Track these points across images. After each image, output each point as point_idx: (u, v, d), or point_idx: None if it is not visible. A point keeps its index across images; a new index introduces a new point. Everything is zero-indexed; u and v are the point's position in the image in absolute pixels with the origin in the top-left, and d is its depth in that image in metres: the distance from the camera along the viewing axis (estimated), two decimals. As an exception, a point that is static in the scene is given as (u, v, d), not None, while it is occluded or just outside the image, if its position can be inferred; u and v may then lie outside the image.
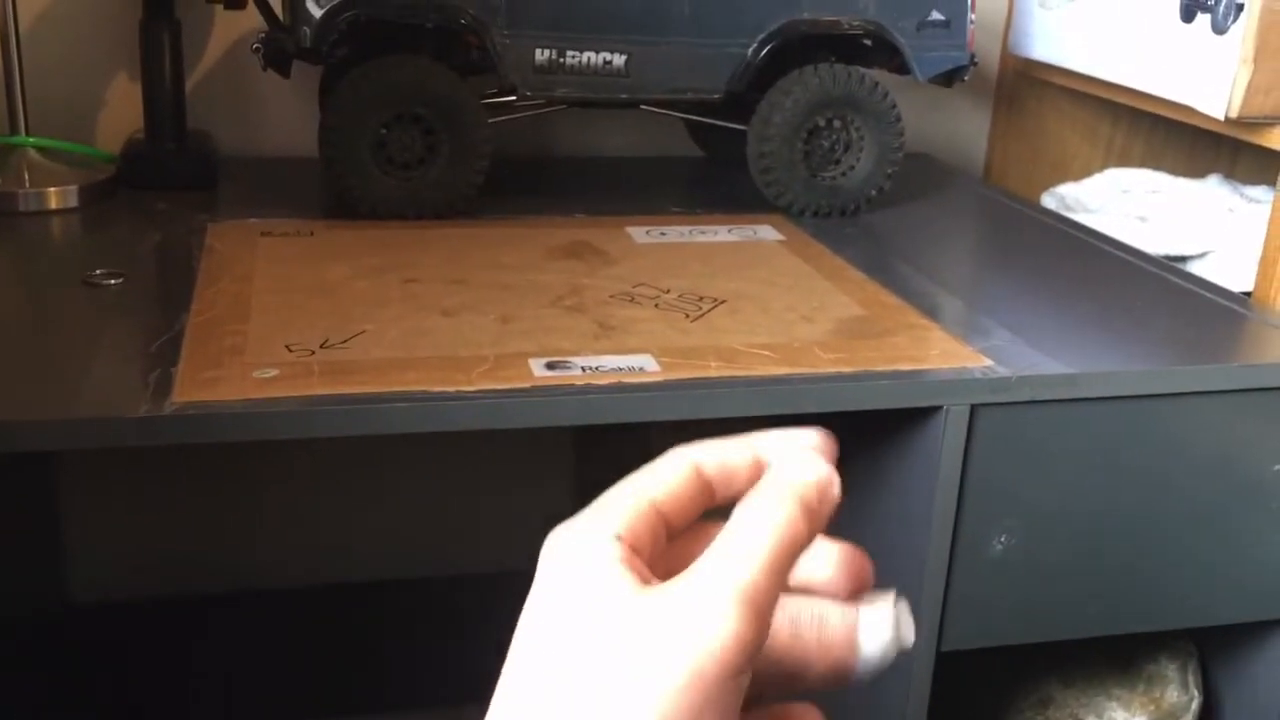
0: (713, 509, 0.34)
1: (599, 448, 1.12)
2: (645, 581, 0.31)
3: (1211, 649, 0.87)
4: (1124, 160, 1.18)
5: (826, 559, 0.35)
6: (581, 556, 0.31)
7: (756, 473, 0.33)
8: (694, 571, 0.30)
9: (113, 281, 0.73)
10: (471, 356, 0.64)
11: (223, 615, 1.12)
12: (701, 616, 0.29)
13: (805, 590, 0.35)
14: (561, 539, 0.32)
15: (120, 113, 1.03)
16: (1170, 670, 0.85)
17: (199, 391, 0.58)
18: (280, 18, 0.89)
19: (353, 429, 0.58)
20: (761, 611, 0.30)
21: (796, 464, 0.33)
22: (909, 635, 0.34)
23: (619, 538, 0.31)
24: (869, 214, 0.97)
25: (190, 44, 1.01)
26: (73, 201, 0.89)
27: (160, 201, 0.91)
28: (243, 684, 1.03)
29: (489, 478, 1.19)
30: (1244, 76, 0.86)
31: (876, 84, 0.93)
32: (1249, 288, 0.89)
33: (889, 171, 0.96)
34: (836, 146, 0.94)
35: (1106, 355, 0.71)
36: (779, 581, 0.31)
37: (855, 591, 0.35)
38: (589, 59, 0.88)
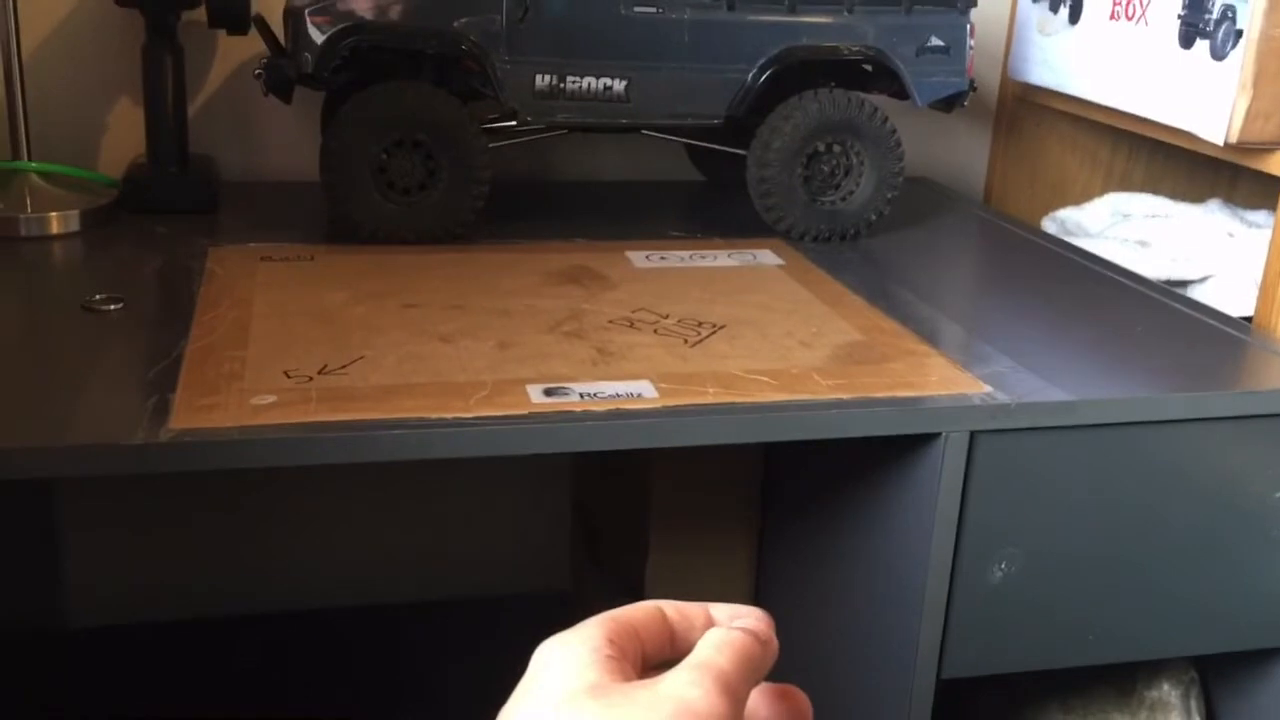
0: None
1: (599, 474, 1.12)
2: (626, 680, 0.34)
3: (1214, 676, 0.87)
4: (1124, 185, 1.18)
5: (769, 699, 0.39)
6: (569, 656, 0.34)
7: (709, 624, 0.38)
8: (670, 671, 0.34)
9: (112, 307, 0.73)
10: (469, 383, 0.64)
11: (222, 639, 1.11)
12: (678, 692, 0.33)
13: None
14: (551, 644, 0.35)
15: (122, 138, 1.04)
16: (1173, 697, 0.85)
17: (196, 419, 0.58)
18: (282, 43, 0.89)
19: (349, 457, 0.58)
20: (736, 697, 0.33)
21: (745, 614, 0.39)
22: None
23: (608, 641, 0.35)
24: (869, 239, 0.97)
25: (192, 69, 1.01)
26: (74, 226, 0.89)
27: (161, 226, 0.91)
28: (242, 708, 1.02)
29: (488, 502, 1.19)
30: (1243, 102, 0.86)
31: (876, 109, 0.93)
32: (1249, 313, 0.89)
33: (889, 196, 0.96)
34: (836, 171, 0.94)
35: (1106, 381, 0.71)
36: (745, 677, 0.35)
37: None
38: (589, 84, 0.89)
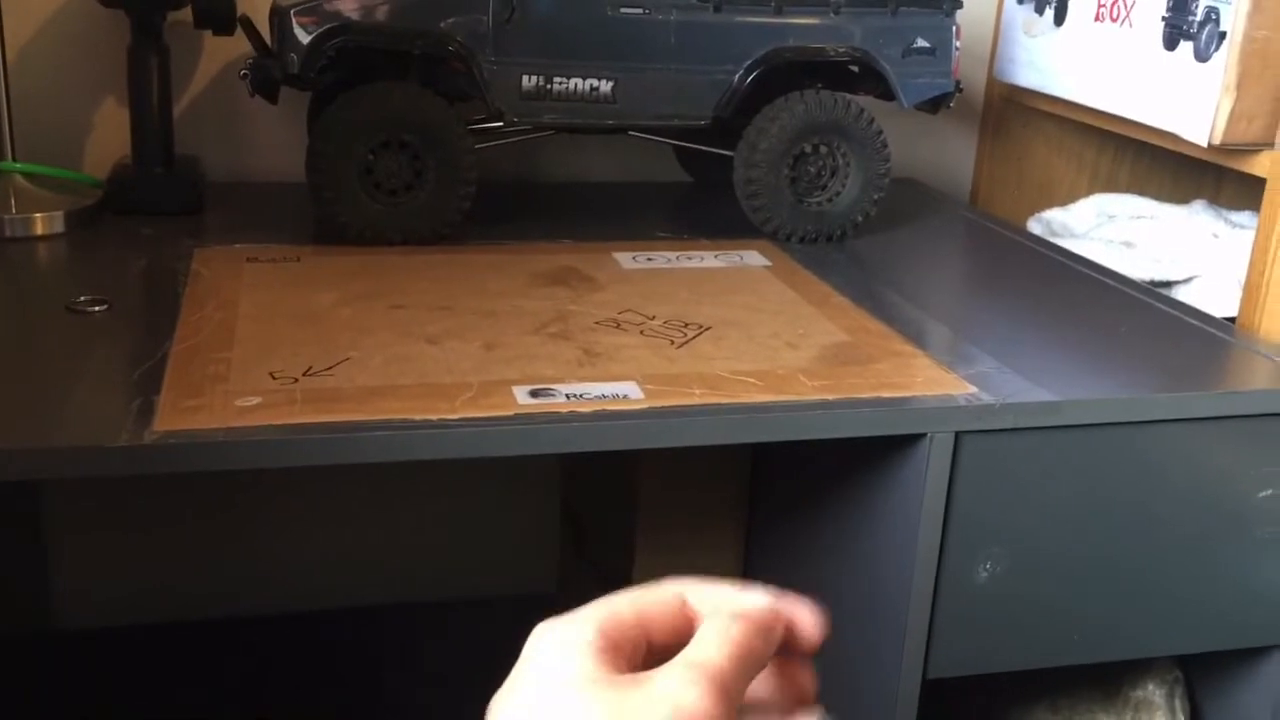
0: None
1: (586, 473, 1.12)
2: (619, 673, 0.33)
3: (1198, 675, 0.87)
4: (1110, 185, 1.18)
5: (771, 674, 0.38)
6: (561, 645, 0.33)
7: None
8: (664, 665, 0.33)
9: (97, 308, 0.73)
10: (455, 384, 0.64)
11: (211, 642, 1.11)
12: (671, 692, 0.32)
13: (752, 704, 0.38)
14: (544, 630, 0.34)
15: (108, 138, 1.03)
16: (1157, 697, 0.85)
17: (180, 420, 0.58)
18: (268, 44, 0.89)
19: (332, 458, 0.58)
20: (728, 693, 0.33)
21: (753, 602, 0.37)
22: None
23: (600, 633, 0.34)
24: (855, 239, 0.97)
25: (178, 70, 1.01)
26: (59, 227, 0.89)
27: (147, 227, 0.91)
28: (231, 709, 1.02)
29: (475, 503, 1.19)
30: (1226, 104, 0.86)
31: (862, 110, 0.94)
32: (1233, 313, 0.89)
33: (875, 197, 0.96)
34: (823, 172, 0.95)
35: (1091, 382, 0.71)
36: (742, 673, 0.34)
37: (796, 704, 0.39)
38: (576, 85, 0.89)
